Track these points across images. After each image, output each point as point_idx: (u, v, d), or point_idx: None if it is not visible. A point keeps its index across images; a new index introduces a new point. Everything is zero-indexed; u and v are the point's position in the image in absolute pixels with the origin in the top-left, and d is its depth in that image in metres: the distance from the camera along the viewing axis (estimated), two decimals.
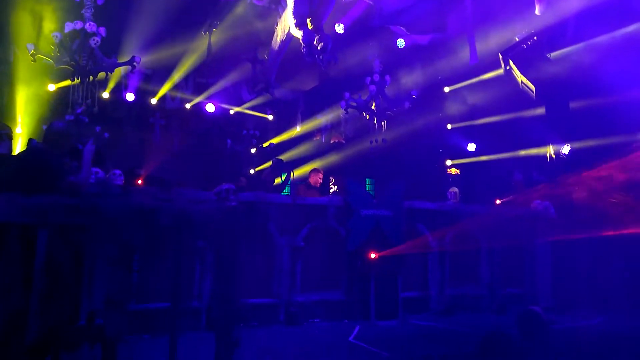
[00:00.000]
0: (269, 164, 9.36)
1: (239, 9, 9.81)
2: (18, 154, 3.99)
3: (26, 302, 3.42)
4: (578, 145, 9.82)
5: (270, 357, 4.75)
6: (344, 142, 13.66)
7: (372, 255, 6.62)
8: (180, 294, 4.45)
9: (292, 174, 9.07)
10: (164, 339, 4.04)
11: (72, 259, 3.55)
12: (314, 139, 14.18)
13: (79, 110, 7.57)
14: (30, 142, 4.23)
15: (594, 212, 7.33)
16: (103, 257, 3.69)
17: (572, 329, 6.33)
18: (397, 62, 10.82)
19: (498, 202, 8.57)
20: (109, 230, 3.43)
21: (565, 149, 9.92)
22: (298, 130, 13.83)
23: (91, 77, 8.80)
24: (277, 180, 9.20)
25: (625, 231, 6.92)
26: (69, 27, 8.44)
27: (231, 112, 13.08)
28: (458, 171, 11.74)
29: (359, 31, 10.04)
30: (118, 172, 5.53)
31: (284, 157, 12.92)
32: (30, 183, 3.43)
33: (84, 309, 4.30)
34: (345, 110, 10.61)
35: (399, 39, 10.42)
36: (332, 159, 13.36)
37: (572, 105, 9.87)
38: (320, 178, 8.41)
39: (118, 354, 3.82)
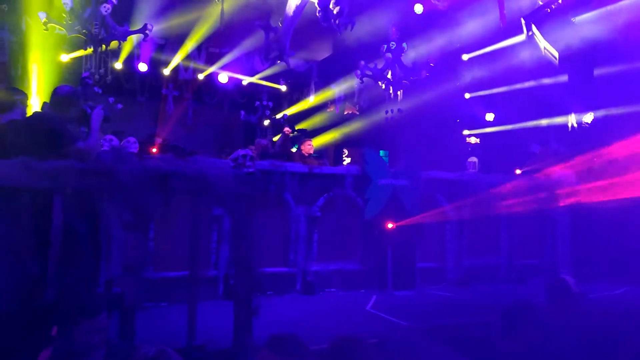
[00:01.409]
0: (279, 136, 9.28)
1: None
2: (24, 118, 3.90)
3: (44, 268, 3.39)
4: (601, 113, 9.52)
5: (287, 326, 4.73)
6: (358, 113, 13.46)
7: (390, 225, 6.54)
8: (197, 262, 4.42)
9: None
10: (182, 307, 4.02)
11: (89, 225, 3.50)
12: (328, 109, 13.99)
13: (85, 74, 7.46)
14: (43, 105, 4.15)
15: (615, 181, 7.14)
16: (120, 223, 3.64)
17: (594, 299, 6.22)
18: (414, 29, 10.48)
19: (518, 171, 8.38)
20: (124, 195, 3.37)
21: (588, 118, 9.63)
22: (311, 101, 13.65)
23: (104, 46, 8.68)
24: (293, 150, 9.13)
25: None
26: None
27: (244, 82, 12.92)
28: (478, 140, 11.51)
29: None
30: (132, 139, 5.48)
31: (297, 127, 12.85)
32: (37, 148, 3.36)
33: (103, 275, 4.31)
34: (361, 79, 10.36)
35: (416, 4, 10.07)
36: (346, 130, 13.20)
37: (597, 72, 9.54)
38: (310, 146, 8.42)
39: (136, 321, 3.80)
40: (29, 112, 4.53)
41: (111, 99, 8.76)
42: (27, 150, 3.19)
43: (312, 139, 8.77)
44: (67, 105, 3.90)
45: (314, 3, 6.89)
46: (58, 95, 3.95)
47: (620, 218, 7.45)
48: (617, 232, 7.53)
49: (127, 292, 3.77)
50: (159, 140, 7.53)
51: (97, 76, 8.62)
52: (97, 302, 2.97)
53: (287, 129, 8.86)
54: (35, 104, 8.71)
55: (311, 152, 8.37)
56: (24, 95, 4.30)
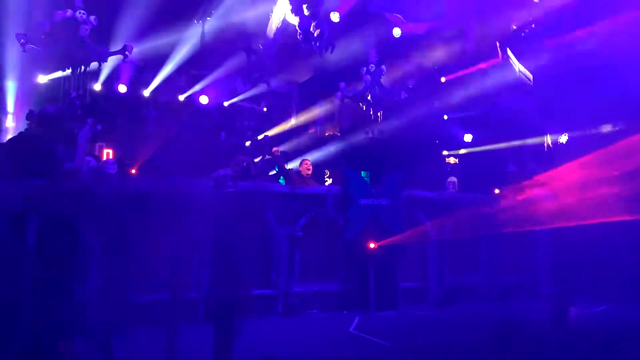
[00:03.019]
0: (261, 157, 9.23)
1: None
2: (10, 138, 3.83)
3: (18, 291, 3.29)
4: (576, 134, 9.77)
5: (269, 349, 4.64)
6: (338, 134, 13.54)
7: (371, 245, 6.53)
8: (178, 285, 4.34)
9: (285, 166, 8.95)
10: (161, 331, 3.93)
11: (65, 247, 3.41)
12: (309, 131, 14.05)
13: (73, 95, 7.39)
14: (29, 126, 4.07)
15: (593, 199, 7.26)
16: (98, 245, 3.56)
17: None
18: (393, 51, 10.69)
19: (497, 191, 8.49)
20: (103, 216, 3.30)
21: (563, 138, 9.86)
22: (293, 122, 13.70)
23: (83, 67, 8.62)
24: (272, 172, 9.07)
25: (626, 218, 6.87)
26: (58, 15, 8.24)
27: (225, 104, 12.91)
28: (457, 160, 11.66)
29: (355, 20, 9.91)
30: (111, 160, 5.39)
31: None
32: (23, 168, 3.29)
33: (79, 298, 4.18)
34: (341, 100, 10.49)
35: (395, 28, 10.29)
36: (327, 151, 13.25)
37: (571, 94, 9.80)
38: (309, 167, 8.34)
39: (114, 346, 3.70)
40: (9, 134, 4.45)
41: (90, 120, 8.67)
42: (13, 171, 3.12)
43: (308, 159, 8.55)
44: (54, 125, 3.81)
45: (295, 26, 6.98)
46: (45, 115, 3.86)
47: (600, 235, 7.56)
48: (596, 249, 7.64)
49: (105, 315, 3.67)
50: (138, 161, 7.42)
51: (77, 94, 8.53)
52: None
53: (275, 149, 8.75)
54: (12, 124, 8.57)
55: (309, 172, 8.23)
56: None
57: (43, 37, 8.30)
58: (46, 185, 3.28)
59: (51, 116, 3.87)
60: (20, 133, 4.25)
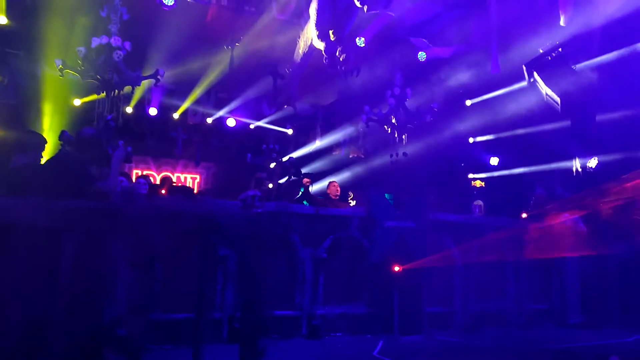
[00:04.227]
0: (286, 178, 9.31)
1: (261, 23, 9.91)
2: (49, 159, 4.00)
3: (51, 307, 3.39)
4: (605, 158, 9.58)
5: None
6: (363, 156, 13.61)
7: (396, 268, 6.48)
8: (204, 304, 4.39)
9: (310, 188, 9.00)
10: (186, 350, 3.97)
11: (98, 265, 3.52)
12: (333, 153, 14.16)
13: (108, 117, 7.65)
14: (65, 147, 4.26)
15: (623, 226, 7.10)
16: (127, 262, 3.66)
17: (604, 346, 6.09)
18: (418, 75, 10.77)
19: (524, 215, 8.36)
20: (133, 234, 3.40)
21: (593, 163, 9.69)
22: (317, 144, 13.85)
23: (116, 91, 8.93)
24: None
25: None
26: (95, 42, 8.61)
27: (251, 126, 13.17)
28: (483, 184, 11.55)
29: (380, 45, 10.06)
30: (142, 180, 5.55)
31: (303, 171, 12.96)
32: (60, 188, 3.43)
33: (108, 315, 4.27)
34: (366, 123, 10.57)
35: (420, 52, 10.38)
36: (351, 173, 13.31)
37: (599, 117, 9.67)
38: (337, 188, 8.35)
39: None
40: (44, 154, 4.64)
41: (121, 142, 8.93)
42: (49, 191, 3.26)
43: (335, 181, 8.60)
44: (90, 146, 3.98)
45: (321, 50, 7.12)
46: (82, 137, 4.03)
47: (631, 261, 7.35)
48: (628, 276, 7.42)
49: (133, 333, 3.74)
50: (168, 181, 7.59)
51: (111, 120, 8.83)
52: (100, 345, 2.95)
53: (306, 180, 8.76)
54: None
55: (338, 193, 8.25)
56: (43, 140, 4.42)
57: (79, 62, 8.66)
58: (81, 205, 3.40)
59: (89, 137, 4.03)
60: (57, 154, 4.43)
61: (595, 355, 4.82)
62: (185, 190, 6.17)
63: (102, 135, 4.20)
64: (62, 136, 5.25)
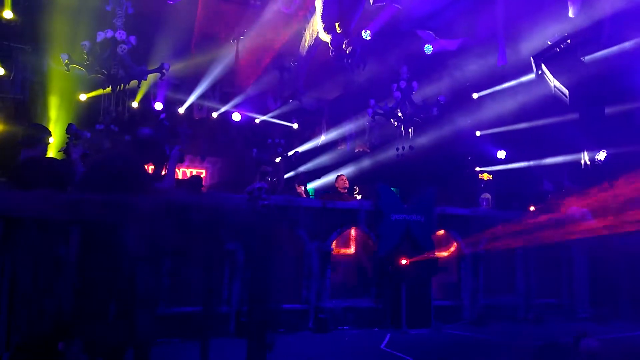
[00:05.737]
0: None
1: (267, 17, 9.84)
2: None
3: (59, 300, 3.39)
4: (614, 151, 9.49)
5: None
6: (368, 150, 13.55)
7: (403, 261, 6.46)
8: (212, 298, 4.37)
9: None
10: (194, 344, 3.96)
11: (105, 258, 3.50)
12: (339, 147, 14.11)
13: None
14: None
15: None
16: (134, 256, 3.64)
17: (614, 340, 6.04)
18: (424, 68, 10.68)
19: (532, 208, 8.31)
20: (140, 227, 3.38)
21: (601, 155, 9.60)
22: (323, 138, 13.79)
23: (122, 86, 8.91)
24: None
25: None
26: (100, 36, 8.58)
27: (257, 121, 13.13)
28: (490, 177, 11.48)
29: (386, 38, 9.96)
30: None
31: (308, 165, 12.95)
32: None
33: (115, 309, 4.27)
34: (372, 117, 10.50)
35: (426, 45, 10.29)
36: (357, 167, 13.26)
37: (608, 110, 9.57)
38: (345, 182, 8.32)
39: (150, 357, 3.74)
40: (49, 150, 4.62)
41: (127, 137, 8.93)
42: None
43: (343, 175, 8.60)
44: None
45: (327, 43, 7.07)
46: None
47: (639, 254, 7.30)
48: (637, 270, 7.36)
49: (141, 327, 3.72)
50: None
51: (114, 114, 8.83)
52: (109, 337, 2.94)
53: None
54: (52, 141, 8.92)
55: (346, 185, 8.25)
56: (48, 133, 4.40)
57: (85, 56, 8.64)
58: (90, 197, 3.38)
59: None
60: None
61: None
62: (193, 180, 6.12)
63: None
64: (70, 129, 5.22)
